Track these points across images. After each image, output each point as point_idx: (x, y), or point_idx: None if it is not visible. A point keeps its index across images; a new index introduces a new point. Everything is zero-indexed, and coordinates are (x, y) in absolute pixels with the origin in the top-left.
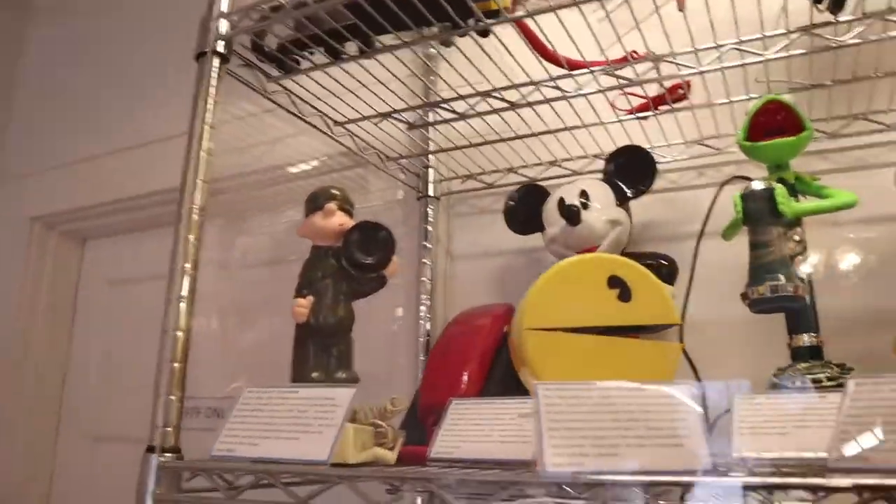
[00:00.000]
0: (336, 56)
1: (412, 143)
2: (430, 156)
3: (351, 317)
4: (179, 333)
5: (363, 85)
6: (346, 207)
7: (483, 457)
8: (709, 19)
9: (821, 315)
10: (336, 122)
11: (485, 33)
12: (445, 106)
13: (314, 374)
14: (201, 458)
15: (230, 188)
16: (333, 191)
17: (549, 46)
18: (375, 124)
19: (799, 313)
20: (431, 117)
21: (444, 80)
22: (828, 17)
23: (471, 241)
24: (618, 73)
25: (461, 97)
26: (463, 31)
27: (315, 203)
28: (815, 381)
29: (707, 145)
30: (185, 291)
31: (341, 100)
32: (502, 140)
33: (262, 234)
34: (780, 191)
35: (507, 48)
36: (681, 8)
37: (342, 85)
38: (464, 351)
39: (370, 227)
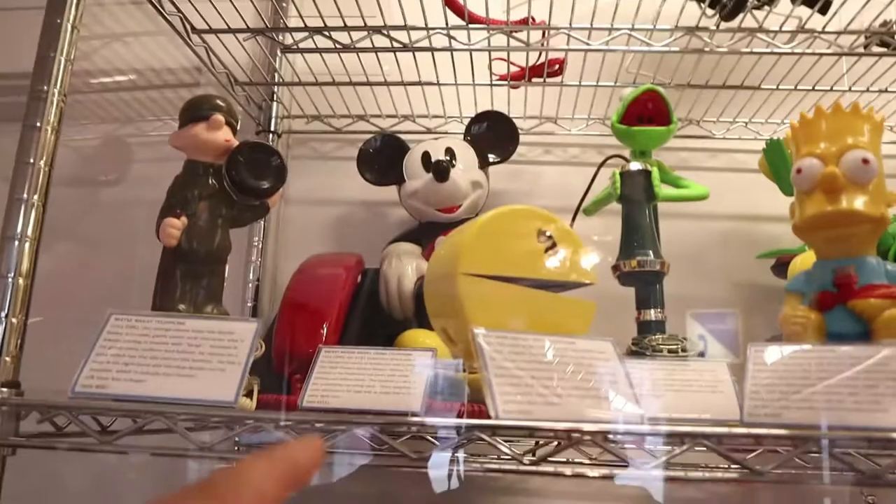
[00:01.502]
0: None
1: (259, 70)
2: (278, 89)
3: (227, 246)
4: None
5: None
6: (232, 122)
7: (364, 407)
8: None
9: None
10: (195, 29)
11: None
12: (326, 34)
13: (181, 307)
14: (55, 398)
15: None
16: (219, 101)
17: None
18: (242, 42)
19: (651, 290)
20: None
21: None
22: (709, 21)
23: (309, 186)
24: (514, 35)
25: (346, 28)
26: None
27: (197, 111)
28: (671, 351)
29: (559, 124)
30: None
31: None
32: (365, 84)
33: (68, 146)
34: (655, 173)
35: None
36: None
37: None
38: (321, 301)
39: (261, 149)
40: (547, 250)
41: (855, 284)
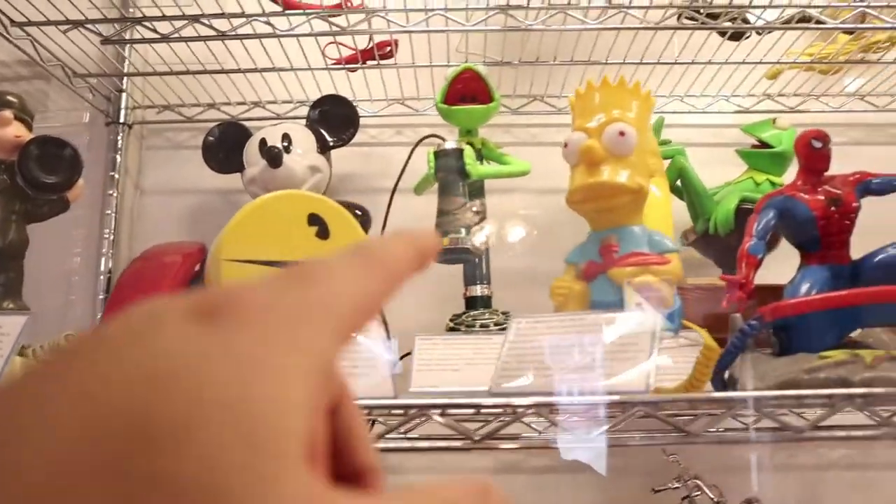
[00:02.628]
0: None
1: (105, 61)
2: (125, 79)
3: (23, 241)
4: None
5: None
6: (24, 118)
7: None
8: None
9: (493, 272)
10: (14, 23)
11: None
12: (147, 24)
13: None
14: None
15: None
16: (9, 97)
17: None
18: (63, 32)
19: (475, 267)
20: (130, 35)
21: None
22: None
23: (164, 175)
24: (331, 19)
25: (165, 17)
26: None
27: None
28: (483, 325)
29: (407, 105)
30: None
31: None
32: (206, 72)
33: None
34: (468, 151)
35: None
36: None
37: None
38: (153, 287)
39: (53, 143)
40: (318, 234)
41: (615, 254)
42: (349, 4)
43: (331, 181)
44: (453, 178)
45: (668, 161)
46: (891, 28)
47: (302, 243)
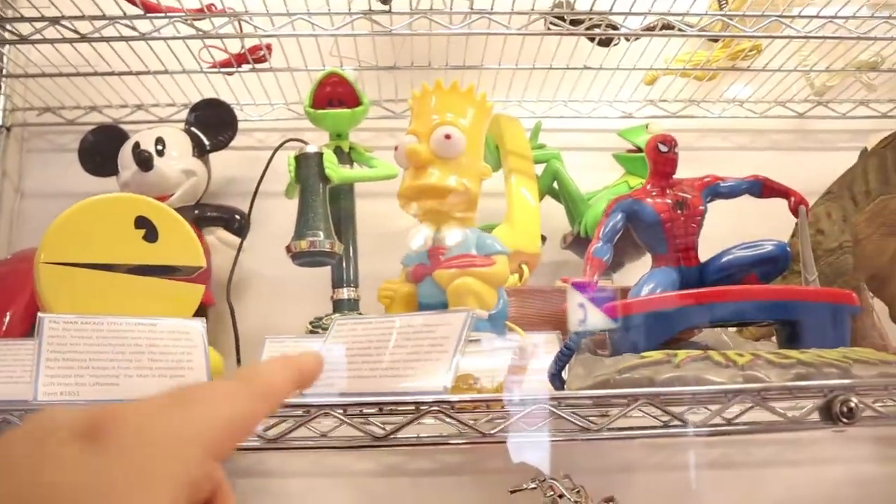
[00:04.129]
0: None
1: None
2: (1, 81)
3: None
4: None
5: None
6: None
7: None
8: None
9: (362, 275)
10: None
11: None
12: (7, 27)
13: None
14: None
15: None
16: None
17: None
18: None
19: (342, 270)
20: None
21: None
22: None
23: (45, 179)
24: (197, 24)
25: (25, 19)
26: None
27: None
28: None
29: (291, 109)
30: None
31: None
32: (80, 74)
33: None
34: (327, 156)
35: None
36: None
37: None
38: (9, 291)
39: None
40: (146, 237)
41: (443, 256)
42: (211, 9)
43: (209, 185)
44: (313, 183)
45: (543, 165)
46: (750, 37)
47: (128, 246)
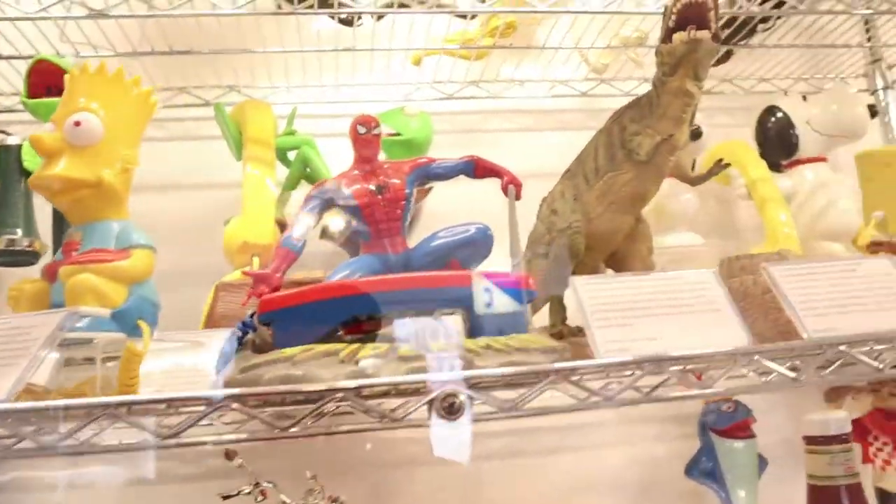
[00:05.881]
0: None
1: None
2: None
3: None
4: None
5: None
6: None
7: None
8: None
9: None
10: None
11: None
12: None
13: None
14: None
15: None
16: None
17: None
18: None
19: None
20: None
21: None
22: None
23: None
24: None
25: None
26: None
27: None
28: None
29: None
30: None
31: None
32: None
33: None
34: (26, 148)
35: None
36: None
37: None
38: None
39: None
40: None
41: (75, 252)
42: None
43: None
44: (12, 176)
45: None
46: (481, 13)
47: None
